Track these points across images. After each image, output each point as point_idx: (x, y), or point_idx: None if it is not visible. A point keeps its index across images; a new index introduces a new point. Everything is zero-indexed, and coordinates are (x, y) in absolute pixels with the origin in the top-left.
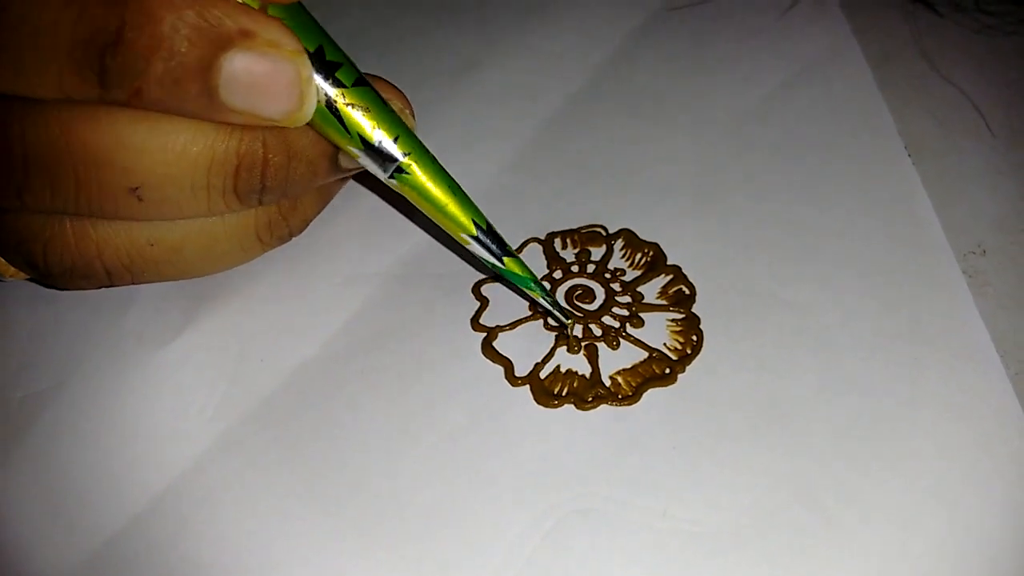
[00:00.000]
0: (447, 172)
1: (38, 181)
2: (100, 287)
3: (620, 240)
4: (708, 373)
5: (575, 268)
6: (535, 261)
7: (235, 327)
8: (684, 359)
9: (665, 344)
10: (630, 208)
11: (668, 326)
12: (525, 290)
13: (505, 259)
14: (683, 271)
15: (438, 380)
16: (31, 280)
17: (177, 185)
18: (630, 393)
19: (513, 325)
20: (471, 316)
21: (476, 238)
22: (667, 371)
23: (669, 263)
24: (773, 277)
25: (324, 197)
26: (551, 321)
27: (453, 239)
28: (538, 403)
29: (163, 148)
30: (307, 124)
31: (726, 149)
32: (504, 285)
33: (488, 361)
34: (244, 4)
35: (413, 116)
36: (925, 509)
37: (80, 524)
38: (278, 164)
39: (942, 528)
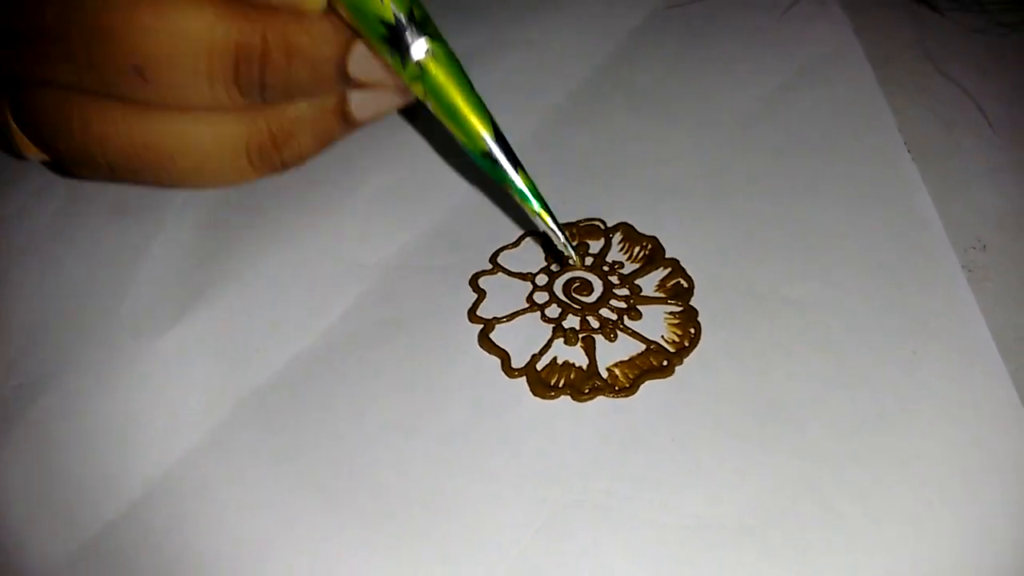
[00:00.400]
0: (466, 74)
1: (54, 50)
2: (107, 179)
3: (618, 233)
4: (706, 366)
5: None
6: (533, 255)
7: (232, 317)
8: (681, 351)
9: (663, 337)
10: (629, 204)
11: (666, 319)
12: (527, 208)
13: (518, 172)
14: (681, 264)
15: (435, 371)
16: (47, 165)
17: (179, 67)
18: (627, 385)
19: (510, 317)
20: (468, 308)
21: (489, 145)
22: (664, 363)
23: (667, 256)
24: (772, 272)
25: (321, 137)
26: (548, 313)
27: (449, 232)
28: (535, 395)
29: (166, 28)
30: (317, 19)
31: (726, 146)
32: (502, 209)
33: (485, 353)
34: None
35: None
36: (926, 503)
37: (74, 515)
38: (277, 61)
39: (942, 522)
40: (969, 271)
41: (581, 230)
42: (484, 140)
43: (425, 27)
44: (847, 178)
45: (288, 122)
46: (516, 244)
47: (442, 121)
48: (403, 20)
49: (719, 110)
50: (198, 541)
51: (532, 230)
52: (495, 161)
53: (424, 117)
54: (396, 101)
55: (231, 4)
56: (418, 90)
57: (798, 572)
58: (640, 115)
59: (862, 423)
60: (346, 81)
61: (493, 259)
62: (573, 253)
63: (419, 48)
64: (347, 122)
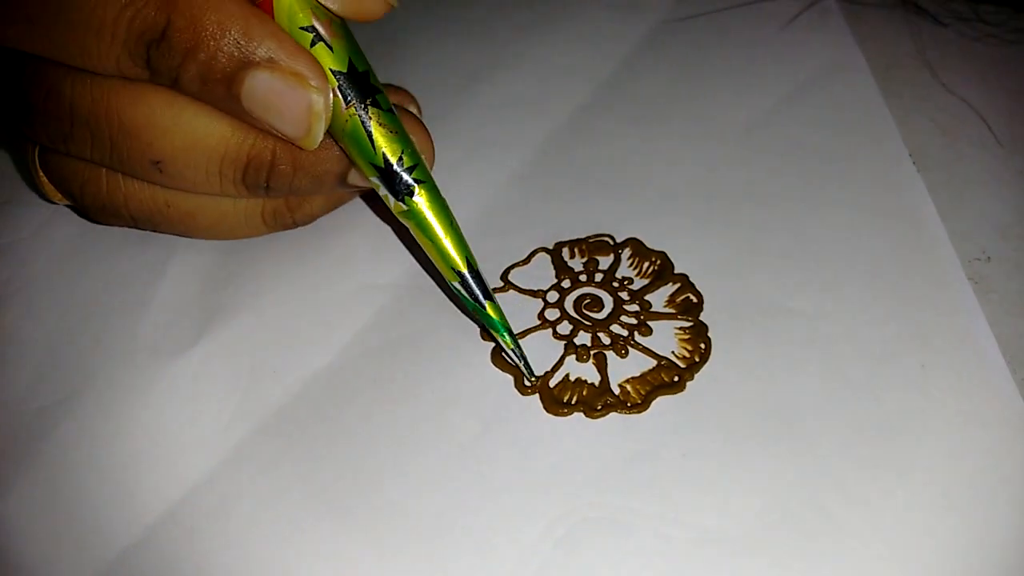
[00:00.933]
0: (450, 211)
1: (80, 134)
2: (128, 227)
3: (627, 249)
4: (716, 381)
5: (583, 277)
6: (543, 271)
7: (248, 338)
8: (692, 367)
9: (673, 352)
10: (637, 218)
11: (676, 334)
12: (496, 337)
13: (487, 303)
14: (690, 279)
15: (449, 389)
16: (72, 209)
17: (192, 167)
18: (639, 401)
19: (522, 335)
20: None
21: (464, 277)
22: (676, 379)
23: (676, 272)
24: (780, 285)
25: (332, 202)
26: (560, 330)
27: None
28: (548, 412)
29: (184, 133)
30: (326, 142)
31: (732, 159)
32: (480, 328)
33: (498, 370)
34: (284, 33)
35: (432, 158)
36: (934, 515)
37: (94, 535)
38: (283, 171)
39: (951, 533)
40: (975, 282)
41: (590, 246)
42: (460, 274)
43: (414, 171)
44: (853, 189)
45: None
46: (527, 261)
47: (425, 250)
48: (393, 166)
49: (723, 123)
50: (216, 562)
51: (542, 247)
52: (470, 290)
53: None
54: None
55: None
56: (405, 222)
57: None
58: (645, 128)
59: (870, 435)
60: (345, 187)
61: (504, 276)
62: (532, 379)
63: (405, 192)
64: (357, 191)
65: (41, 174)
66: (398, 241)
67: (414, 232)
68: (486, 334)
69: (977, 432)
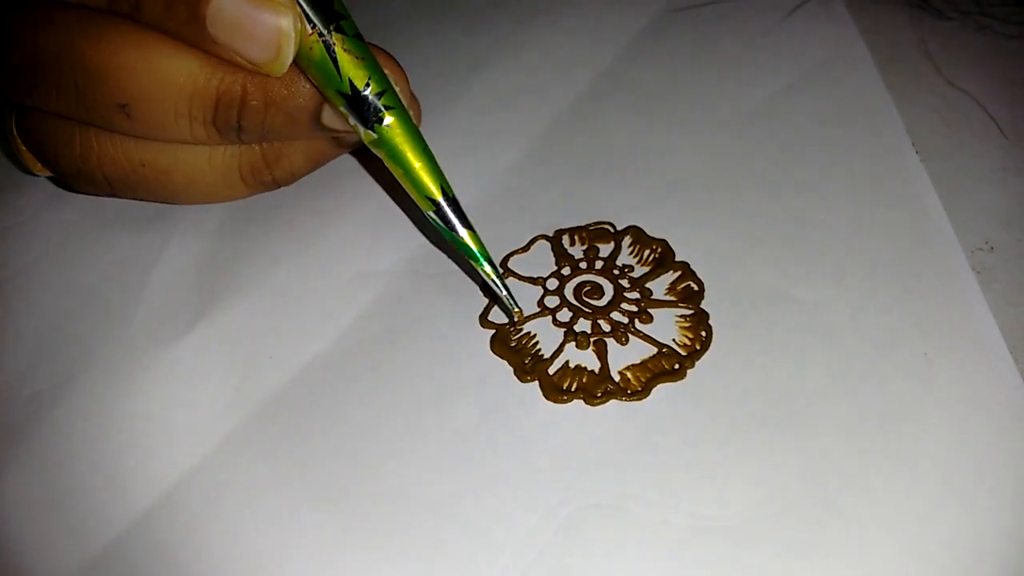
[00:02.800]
0: (423, 138)
1: (44, 83)
2: (107, 195)
3: (628, 237)
4: (717, 369)
5: (583, 265)
6: (543, 258)
7: (245, 324)
8: (693, 354)
9: (674, 340)
10: (638, 206)
11: (677, 322)
12: (476, 267)
13: (466, 232)
14: (691, 267)
15: (448, 377)
16: (53, 181)
17: (161, 108)
18: (639, 388)
19: (522, 322)
20: (479, 313)
21: (440, 205)
22: (676, 366)
23: (677, 260)
24: (782, 274)
25: (313, 157)
26: (559, 317)
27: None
28: (547, 399)
29: (150, 72)
30: (296, 73)
31: (734, 148)
32: (457, 264)
33: (497, 358)
34: None
35: (408, 93)
36: (937, 503)
37: (89, 521)
38: (255, 108)
39: (954, 522)
40: (977, 272)
41: (591, 233)
42: (435, 202)
43: (382, 96)
44: (855, 179)
45: (278, 144)
46: (526, 248)
47: (399, 180)
48: (360, 93)
49: (725, 112)
50: (212, 548)
51: (542, 234)
52: (446, 219)
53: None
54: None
55: (211, 56)
56: (377, 152)
57: (809, 573)
58: (646, 117)
59: (873, 424)
60: (320, 129)
61: (503, 264)
62: (515, 309)
63: (374, 119)
64: (338, 144)
65: (19, 142)
66: (395, 228)
67: (387, 163)
68: (485, 320)
69: (980, 420)
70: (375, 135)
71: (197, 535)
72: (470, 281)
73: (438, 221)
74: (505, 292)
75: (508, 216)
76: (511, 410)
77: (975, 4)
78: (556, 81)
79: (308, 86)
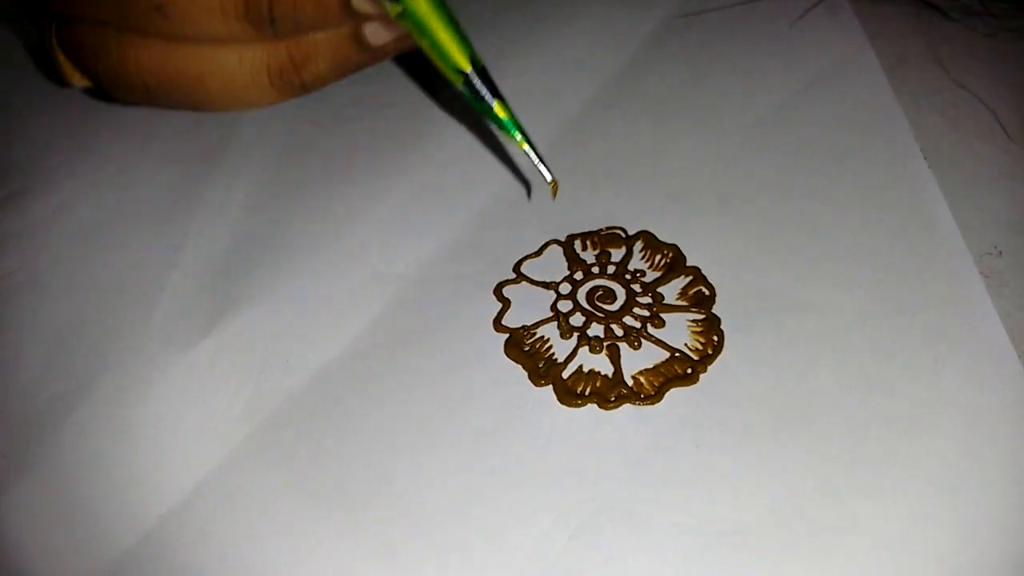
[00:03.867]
0: (449, 9)
1: None
2: (143, 102)
3: (639, 242)
4: (729, 373)
5: (595, 269)
6: (556, 263)
7: (260, 328)
8: (705, 359)
9: (686, 344)
10: (648, 211)
11: (689, 327)
12: (508, 136)
13: (496, 101)
14: (702, 272)
15: (462, 381)
16: (88, 92)
17: (195, 5)
18: (652, 393)
19: (535, 326)
20: (493, 317)
21: (469, 75)
22: (689, 371)
23: (688, 264)
24: (793, 279)
25: (339, 63)
26: (572, 321)
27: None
28: (561, 403)
29: None
30: None
31: (743, 153)
32: (489, 126)
33: (511, 362)
34: None
35: None
36: (947, 508)
37: (105, 526)
38: None
39: (963, 527)
40: (986, 277)
41: (602, 238)
42: (463, 73)
43: None
44: (864, 184)
45: (306, 46)
46: (539, 253)
47: (427, 54)
48: None
49: (734, 117)
50: (228, 554)
51: (555, 239)
52: (474, 90)
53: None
54: (406, 37)
55: None
56: (405, 25)
57: None
58: (656, 123)
59: (883, 428)
60: (351, 14)
61: (516, 268)
62: (550, 177)
63: None
64: (363, 48)
65: (59, 52)
66: (409, 231)
67: (414, 35)
68: (499, 324)
69: (990, 426)
70: (400, 6)
71: (213, 540)
72: (482, 285)
73: (467, 93)
74: (538, 159)
75: (520, 220)
76: (525, 414)
77: (983, 7)
78: (565, 87)
79: None
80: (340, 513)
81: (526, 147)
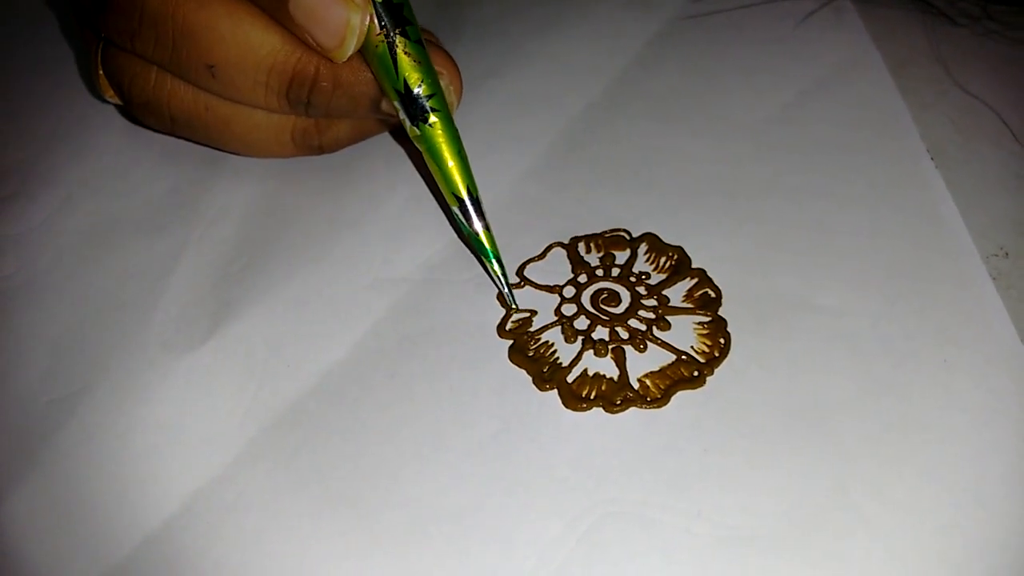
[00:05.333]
0: (460, 141)
1: (147, 33)
2: (165, 131)
3: (644, 244)
4: (737, 376)
5: (600, 272)
6: (559, 265)
7: (262, 332)
8: (712, 361)
9: (692, 347)
10: (653, 213)
11: (695, 329)
12: (486, 263)
13: (483, 231)
14: (708, 274)
15: (467, 386)
16: (119, 110)
17: (243, 74)
18: (659, 396)
19: (539, 332)
20: (497, 322)
21: (463, 202)
22: (695, 374)
23: (694, 266)
24: (799, 281)
25: (359, 130)
26: (577, 325)
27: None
28: (567, 407)
29: (239, 42)
30: (361, 65)
31: (748, 155)
32: (472, 254)
33: (515, 367)
34: None
35: (459, 92)
36: (960, 511)
37: (107, 531)
38: (324, 88)
39: (978, 529)
40: (993, 278)
41: (606, 241)
42: (459, 199)
43: (431, 99)
44: (871, 185)
45: (331, 120)
46: (542, 256)
47: (433, 173)
48: (412, 92)
49: (739, 119)
50: (231, 559)
51: (558, 241)
52: (467, 215)
53: None
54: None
55: (293, 37)
56: (419, 146)
57: None
58: (660, 124)
59: (894, 430)
60: (377, 113)
61: (519, 272)
62: (513, 306)
63: (421, 118)
64: (383, 125)
65: (100, 68)
66: (412, 235)
67: (425, 157)
68: (504, 331)
69: (1002, 426)
70: (419, 132)
71: (216, 546)
72: (487, 289)
73: (459, 216)
74: (507, 290)
75: (523, 223)
76: (531, 419)
77: (983, 11)
78: (569, 88)
79: (371, 76)
80: (345, 520)
81: (499, 274)
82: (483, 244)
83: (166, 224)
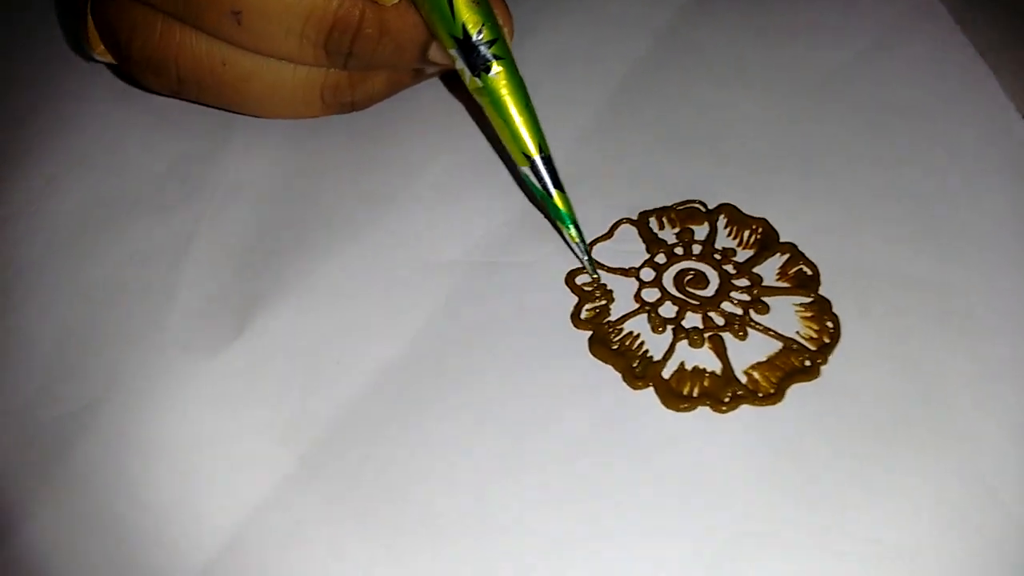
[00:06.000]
0: (527, 93)
1: None
2: (168, 93)
3: (723, 216)
4: (851, 363)
5: (679, 250)
6: (630, 244)
7: (300, 328)
8: (824, 348)
9: (798, 332)
10: (722, 181)
11: (796, 311)
12: (562, 228)
13: (556, 192)
14: (799, 248)
15: (544, 385)
16: (111, 67)
17: (275, 22)
18: (772, 391)
19: (620, 321)
20: (570, 311)
21: (535, 162)
22: (807, 363)
23: (782, 240)
24: (898, 252)
25: (395, 83)
26: (663, 312)
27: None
28: (667, 407)
29: None
30: (409, 8)
31: (814, 114)
32: (544, 216)
33: (598, 361)
34: None
35: (512, 32)
36: None
37: (126, 569)
38: (369, 36)
39: None
40: None
41: (680, 214)
42: (531, 159)
43: (492, 46)
44: (956, 144)
45: (367, 72)
46: (609, 235)
47: (498, 131)
48: (472, 38)
49: (799, 74)
50: None
51: (626, 217)
52: (539, 176)
53: None
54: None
55: None
56: (480, 100)
57: None
58: (714, 83)
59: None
60: (424, 62)
61: (588, 252)
62: (594, 275)
63: (482, 67)
64: (419, 76)
65: (91, 22)
66: (459, 212)
67: (488, 112)
68: (579, 320)
69: None
70: (480, 83)
71: None
72: (552, 273)
73: (531, 178)
74: (587, 258)
75: (580, 198)
76: (626, 424)
77: None
78: (611, 46)
79: (419, 21)
80: (421, 547)
81: (577, 241)
82: (558, 207)
83: (170, 204)
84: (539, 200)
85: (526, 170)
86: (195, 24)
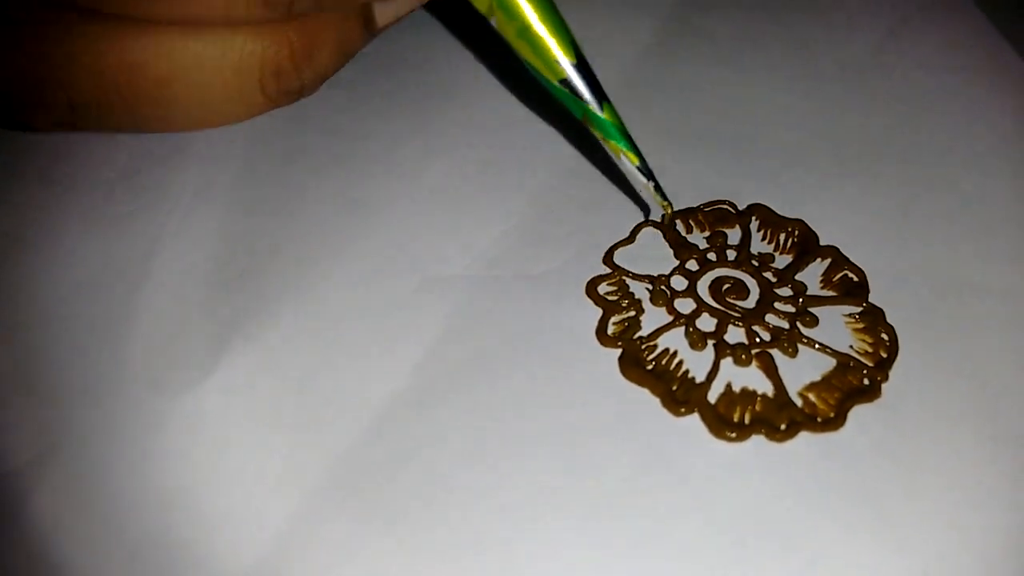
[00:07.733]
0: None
1: None
2: (60, 127)
3: (755, 218)
4: (914, 380)
5: (712, 256)
6: (656, 250)
7: (287, 356)
8: (882, 364)
9: (851, 347)
10: (749, 179)
11: (847, 323)
12: (615, 149)
13: (599, 106)
14: (842, 253)
15: (576, 413)
16: None
17: None
18: (831, 415)
19: (653, 336)
20: (595, 327)
21: (568, 74)
22: (866, 382)
23: (822, 244)
24: (949, 256)
25: (344, 49)
26: (700, 325)
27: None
28: (716, 437)
29: None
30: None
31: (840, 103)
32: (593, 141)
33: (633, 384)
34: None
35: None
36: None
37: None
38: None
39: None
40: None
41: (708, 216)
42: (562, 66)
43: None
44: (995, 136)
45: (311, 33)
46: (631, 239)
47: (510, 42)
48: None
49: (821, 61)
50: None
51: (649, 219)
52: (575, 92)
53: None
54: (416, 3)
55: None
56: (492, 17)
57: None
58: (729, 71)
59: None
60: None
61: (608, 259)
62: (664, 203)
63: None
64: (369, 30)
65: None
66: (457, 216)
67: (496, 18)
68: (605, 336)
69: None
70: None
71: None
72: (568, 284)
73: (567, 93)
74: (653, 182)
75: (598, 199)
76: (671, 455)
77: None
78: (616, 30)
79: None
80: None
81: (637, 166)
82: (605, 122)
83: (124, 216)
84: (580, 120)
85: (558, 85)
86: (90, 5)
